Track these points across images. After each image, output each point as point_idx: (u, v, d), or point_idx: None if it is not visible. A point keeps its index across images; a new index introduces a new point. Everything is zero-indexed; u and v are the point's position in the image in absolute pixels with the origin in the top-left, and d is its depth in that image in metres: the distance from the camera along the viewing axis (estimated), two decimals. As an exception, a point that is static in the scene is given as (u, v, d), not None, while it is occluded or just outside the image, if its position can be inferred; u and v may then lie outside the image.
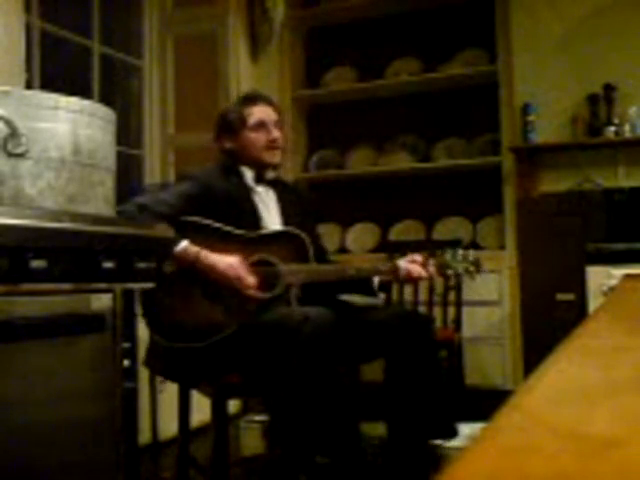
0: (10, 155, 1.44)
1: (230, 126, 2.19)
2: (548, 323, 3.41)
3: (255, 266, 2.01)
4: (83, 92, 3.46)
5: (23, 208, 1.42)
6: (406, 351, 2.00)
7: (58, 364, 1.42)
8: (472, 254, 2.28)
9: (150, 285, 1.60)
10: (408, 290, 3.30)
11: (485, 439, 0.36)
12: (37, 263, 1.31)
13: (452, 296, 3.32)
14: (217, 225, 2.03)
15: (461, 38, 4.19)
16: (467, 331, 3.47)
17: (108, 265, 1.47)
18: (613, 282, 2.82)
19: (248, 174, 2.20)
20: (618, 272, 2.70)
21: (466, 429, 2.38)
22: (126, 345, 1.57)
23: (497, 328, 3.72)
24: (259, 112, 2.20)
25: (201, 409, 2.26)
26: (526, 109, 3.76)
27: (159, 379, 2.70)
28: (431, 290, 3.24)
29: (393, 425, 2.02)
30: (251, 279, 1.96)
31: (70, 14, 3.57)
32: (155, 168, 4.04)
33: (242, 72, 4.07)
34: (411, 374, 1.98)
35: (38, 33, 3.28)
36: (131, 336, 1.61)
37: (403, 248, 3.42)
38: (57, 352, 1.42)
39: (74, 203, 1.53)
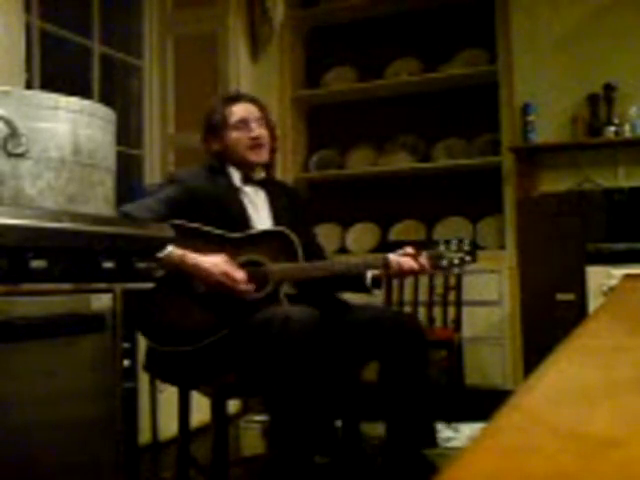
0: (10, 155, 1.44)
1: (214, 127, 2.18)
2: (548, 323, 3.42)
3: (244, 267, 2.00)
4: (83, 92, 3.46)
5: (23, 208, 1.42)
6: (396, 356, 1.98)
7: (58, 364, 1.42)
8: (467, 242, 2.15)
9: (150, 285, 1.60)
10: (408, 290, 3.30)
11: (485, 439, 0.36)
12: (37, 263, 1.31)
13: (452, 296, 3.32)
14: (202, 227, 2.02)
15: (461, 38, 4.19)
16: (467, 331, 3.47)
17: (108, 265, 1.47)
18: (613, 282, 2.82)
19: (235, 175, 2.18)
20: (618, 272, 2.71)
21: (466, 429, 2.38)
22: (126, 345, 1.57)
23: (497, 328, 3.72)
24: (240, 110, 2.17)
25: (201, 409, 2.26)
26: (526, 109, 3.76)
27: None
28: (431, 290, 3.24)
29: (391, 426, 2.02)
30: (239, 273, 1.95)
31: (70, 14, 3.57)
32: (155, 168, 4.04)
33: (242, 72, 4.07)
34: (401, 379, 1.97)
35: (38, 33, 3.28)
36: (131, 336, 1.61)
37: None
38: (57, 352, 1.42)
39: (74, 203, 1.53)
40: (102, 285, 1.51)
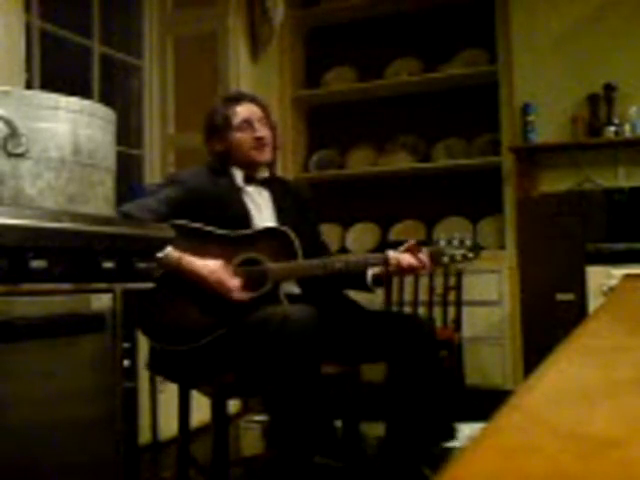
0: (10, 155, 1.44)
1: (216, 128, 2.18)
2: (548, 323, 3.42)
3: (242, 265, 2.01)
4: (83, 92, 3.46)
5: (23, 208, 1.42)
6: (409, 357, 1.98)
7: (58, 364, 1.42)
8: (469, 239, 2.12)
9: (150, 285, 1.60)
10: (408, 290, 3.30)
11: (485, 439, 0.36)
12: (37, 263, 1.31)
13: (452, 296, 3.32)
14: (203, 227, 2.03)
15: (461, 38, 4.19)
16: (467, 331, 3.47)
17: (108, 265, 1.47)
18: (613, 282, 2.83)
19: (238, 175, 2.18)
20: (618, 272, 2.71)
21: (466, 429, 2.38)
22: (126, 345, 1.57)
23: (497, 328, 3.72)
24: (243, 111, 2.17)
25: (201, 409, 2.26)
26: (526, 109, 3.76)
27: (159, 379, 2.70)
28: (431, 290, 3.24)
29: (392, 428, 2.02)
30: (233, 282, 1.95)
31: (70, 14, 3.57)
32: (155, 168, 4.03)
33: (242, 72, 4.07)
34: (413, 380, 1.97)
35: (38, 33, 3.28)
36: (131, 336, 1.61)
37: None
38: (57, 352, 1.42)
39: (74, 203, 1.53)
40: (102, 285, 1.51)
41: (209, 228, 2.03)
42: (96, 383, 1.51)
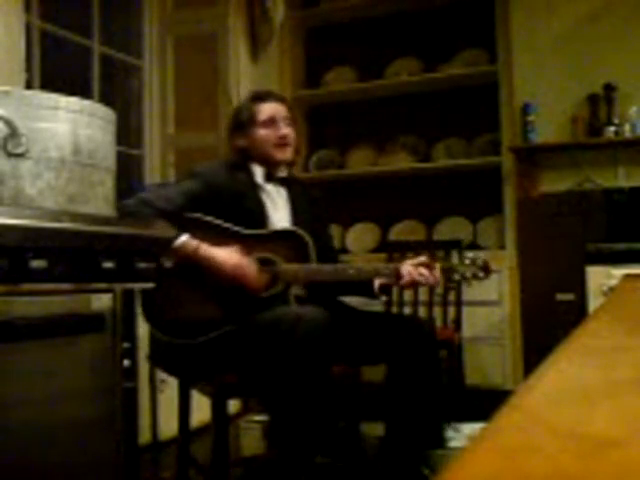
0: (10, 155, 1.44)
1: (241, 123, 2.19)
2: (548, 323, 3.42)
3: (256, 264, 2.01)
4: (83, 92, 3.46)
5: (23, 208, 1.42)
6: (409, 358, 1.98)
7: (58, 364, 1.42)
8: (481, 258, 2.13)
9: (150, 285, 1.60)
10: (408, 290, 3.30)
11: (485, 439, 0.36)
12: (37, 263, 1.31)
13: (452, 296, 3.32)
14: (219, 222, 2.03)
15: (461, 38, 4.19)
16: (467, 331, 3.47)
17: (108, 265, 1.47)
18: (613, 282, 2.83)
19: (258, 172, 2.19)
20: (618, 272, 2.71)
21: (466, 429, 2.38)
22: (126, 345, 1.57)
23: (497, 328, 3.72)
24: (269, 109, 2.19)
25: (201, 409, 2.26)
26: (526, 109, 3.76)
27: (159, 379, 2.70)
28: (431, 290, 3.24)
29: (392, 428, 2.02)
30: (251, 268, 1.96)
31: (70, 14, 3.57)
32: (155, 168, 4.04)
33: (242, 72, 4.07)
34: (413, 380, 1.97)
35: (38, 33, 3.28)
36: (131, 336, 1.61)
37: (403, 248, 3.42)
38: (57, 352, 1.42)
39: (74, 203, 1.53)
40: (102, 285, 1.51)
41: (226, 224, 2.04)
42: (96, 383, 1.51)
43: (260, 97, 2.24)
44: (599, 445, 0.34)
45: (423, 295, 3.26)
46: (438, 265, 2.10)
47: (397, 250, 3.41)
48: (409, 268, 2.05)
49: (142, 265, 1.56)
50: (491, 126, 3.97)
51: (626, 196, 3.56)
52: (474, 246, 3.96)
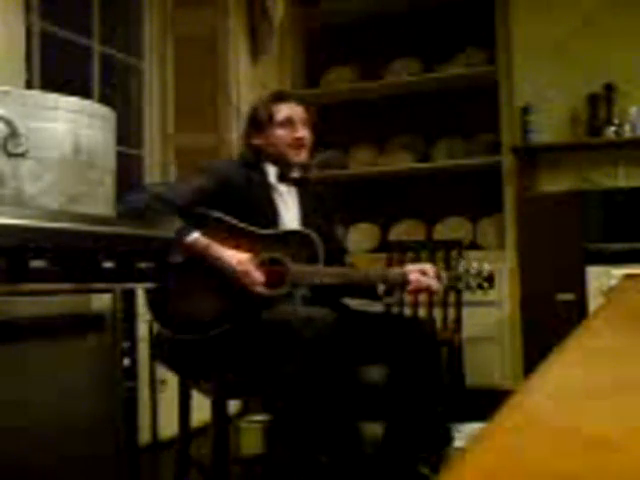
0: (10, 155, 1.44)
1: (258, 122, 2.19)
2: (548, 323, 3.41)
3: (264, 264, 2.01)
4: (83, 92, 3.46)
5: (23, 208, 1.42)
6: (410, 359, 1.98)
7: (58, 364, 1.42)
8: (487, 270, 2.12)
9: (150, 285, 1.60)
10: (408, 290, 3.29)
11: (485, 439, 0.36)
12: (37, 263, 1.31)
13: (452, 297, 3.32)
14: (230, 220, 2.03)
15: (461, 38, 4.19)
16: (467, 331, 3.47)
17: (108, 265, 1.47)
18: (613, 282, 2.82)
19: (271, 171, 2.18)
20: (618, 272, 2.70)
21: (466, 429, 2.38)
22: (126, 345, 1.57)
23: (497, 328, 3.72)
24: (287, 109, 2.19)
25: (201, 409, 2.26)
26: (526, 109, 3.76)
27: (159, 379, 2.70)
28: (431, 292, 3.23)
29: (392, 428, 2.02)
30: (259, 275, 1.96)
31: (70, 14, 3.57)
32: (155, 168, 4.03)
33: (242, 72, 4.07)
34: (414, 381, 1.97)
35: (38, 33, 3.28)
36: (131, 336, 1.61)
37: (403, 248, 3.42)
38: (57, 352, 1.42)
39: (74, 203, 1.53)
40: (102, 285, 1.51)
41: (241, 224, 2.04)
42: (96, 383, 1.51)
43: (279, 97, 2.24)
44: (599, 445, 0.34)
45: (423, 296, 3.25)
46: (445, 274, 2.12)
47: (397, 250, 3.41)
48: (417, 275, 2.07)
49: (142, 265, 1.56)
50: (491, 126, 3.97)
51: (626, 196, 3.56)
52: (474, 246, 3.96)
